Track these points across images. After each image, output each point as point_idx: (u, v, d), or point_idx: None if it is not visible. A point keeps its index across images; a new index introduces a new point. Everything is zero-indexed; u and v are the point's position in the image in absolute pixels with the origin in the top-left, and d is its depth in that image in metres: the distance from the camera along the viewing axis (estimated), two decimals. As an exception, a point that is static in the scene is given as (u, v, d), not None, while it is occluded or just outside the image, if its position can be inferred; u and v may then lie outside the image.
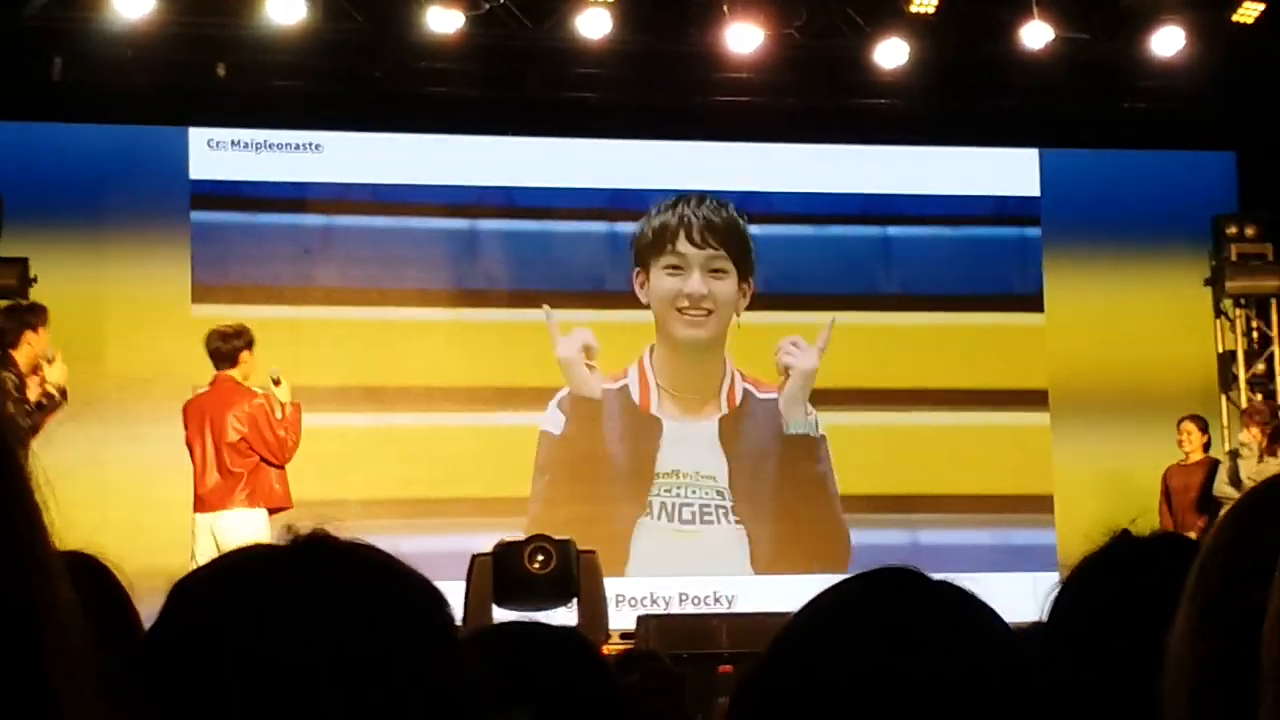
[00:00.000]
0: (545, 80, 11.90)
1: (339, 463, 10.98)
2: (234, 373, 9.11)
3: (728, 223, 12.02)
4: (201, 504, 9.04)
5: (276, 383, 9.18)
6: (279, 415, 9.08)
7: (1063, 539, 11.75)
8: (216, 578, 1.17)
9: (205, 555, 8.79)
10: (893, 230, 12.32)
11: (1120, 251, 12.49)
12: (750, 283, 12.01)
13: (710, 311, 11.95)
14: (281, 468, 9.07)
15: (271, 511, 8.99)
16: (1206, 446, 11.14)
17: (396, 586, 1.16)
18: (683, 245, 11.93)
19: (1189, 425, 11.19)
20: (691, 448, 11.82)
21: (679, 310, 11.91)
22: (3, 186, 10.88)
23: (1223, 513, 1.42)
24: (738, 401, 11.95)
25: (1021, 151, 12.45)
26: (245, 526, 8.84)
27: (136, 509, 10.48)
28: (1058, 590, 1.90)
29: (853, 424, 12.07)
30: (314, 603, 1.11)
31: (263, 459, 9.00)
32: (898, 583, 1.39)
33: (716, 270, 11.95)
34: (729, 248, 11.99)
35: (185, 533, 9.17)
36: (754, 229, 12.08)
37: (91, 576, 1.81)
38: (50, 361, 8.84)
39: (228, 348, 9.13)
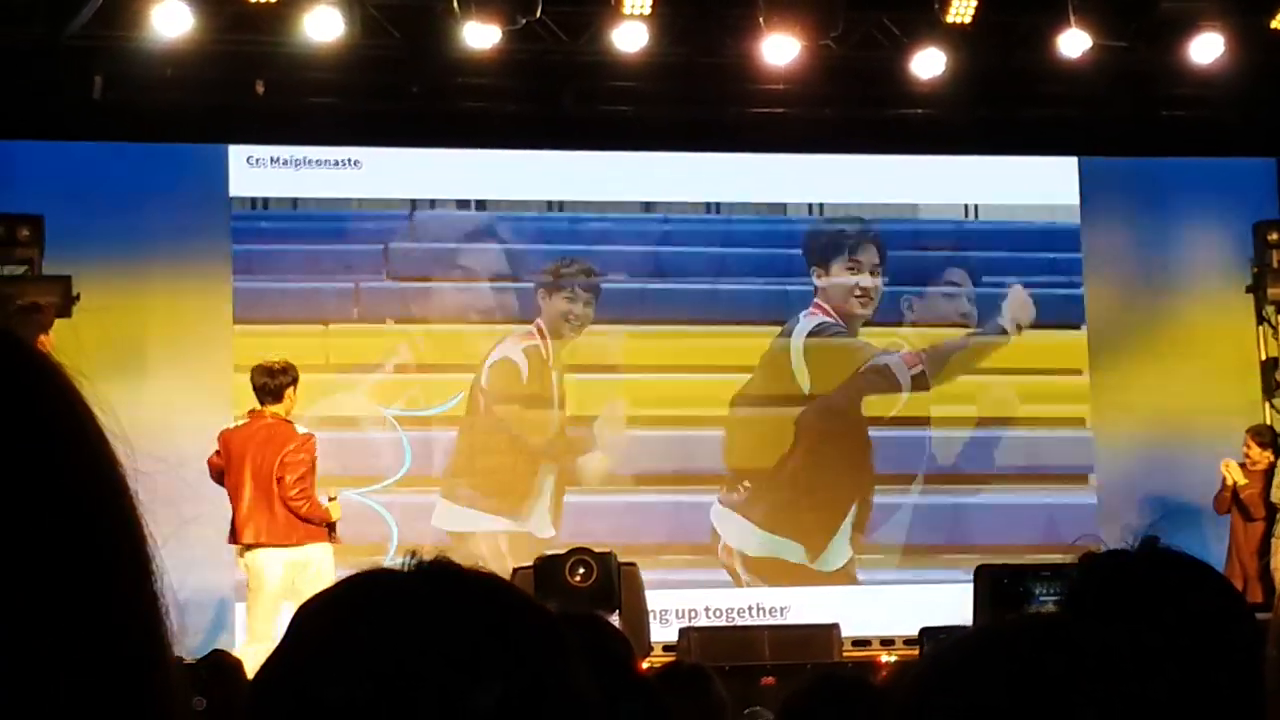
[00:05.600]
0: (582, 94, 11.91)
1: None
2: (278, 408, 8.91)
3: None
4: (270, 536, 8.77)
5: (331, 499, 9.00)
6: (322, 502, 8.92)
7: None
8: (347, 602, 1.14)
9: (270, 588, 8.72)
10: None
11: (1161, 259, 12.43)
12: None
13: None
14: (287, 504, 8.77)
15: None
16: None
17: (527, 614, 1.13)
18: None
19: (1248, 439, 11.20)
20: None
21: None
22: (45, 205, 10.95)
23: None
24: None
25: (1060, 160, 12.41)
26: (325, 560, 8.73)
27: (173, 528, 10.50)
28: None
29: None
30: (452, 628, 1.08)
31: (279, 479, 8.76)
32: (1050, 632, 1.32)
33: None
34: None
35: (221, 554, 9.14)
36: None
37: None
38: None
39: (274, 384, 8.90)
